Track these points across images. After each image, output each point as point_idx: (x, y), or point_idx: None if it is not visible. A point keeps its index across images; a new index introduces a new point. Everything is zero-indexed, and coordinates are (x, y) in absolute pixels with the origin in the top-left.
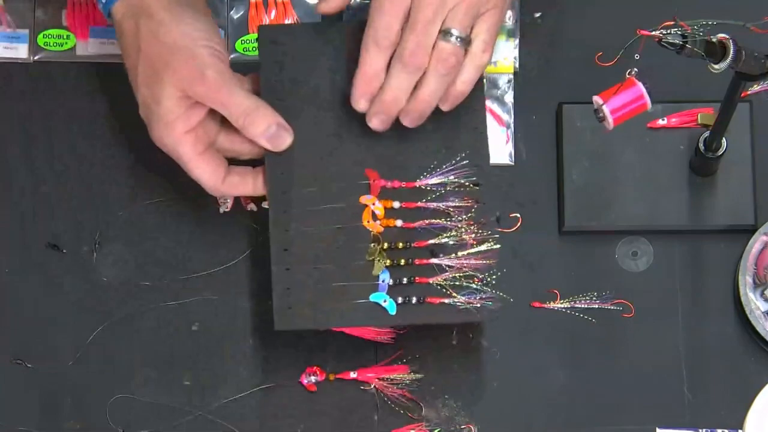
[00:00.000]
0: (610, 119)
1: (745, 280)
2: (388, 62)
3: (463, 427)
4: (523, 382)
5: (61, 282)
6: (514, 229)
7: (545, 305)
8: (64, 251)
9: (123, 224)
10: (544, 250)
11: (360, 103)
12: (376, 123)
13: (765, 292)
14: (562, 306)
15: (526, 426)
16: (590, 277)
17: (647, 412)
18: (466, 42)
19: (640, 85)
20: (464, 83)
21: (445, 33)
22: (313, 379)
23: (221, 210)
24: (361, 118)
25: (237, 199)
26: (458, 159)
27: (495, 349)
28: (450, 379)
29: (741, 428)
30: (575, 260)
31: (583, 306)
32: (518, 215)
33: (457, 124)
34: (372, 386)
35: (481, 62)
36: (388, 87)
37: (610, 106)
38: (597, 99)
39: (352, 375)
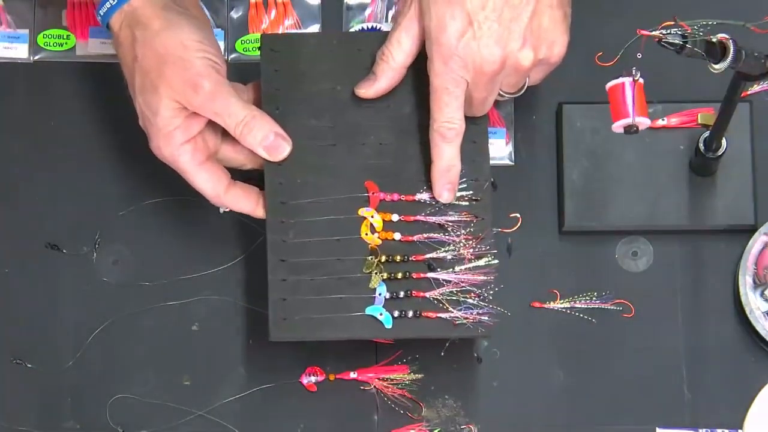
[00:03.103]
0: (644, 121)
1: (745, 280)
2: (459, 148)
3: (463, 427)
4: (523, 382)
5: (61, 282)
6: (514, 229)
7: (545, 305)
8: (64, 251)
9: (123, 224)
10: (544, 250)
11: (444, 196)
12: (447, 196)
13: (765, 292)
14: (562, 306)
15: (526, 426)
16: (590, 277)
17: (647, 412)
18: (518, 92)
19: (618, 81)
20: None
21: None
22: (313, 379)
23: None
24: (361, 129)
25: None
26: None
27: (495, 349)
28: (450, 379)
29: (741, 428)
30: (575, 260)
31: (583, 306)
32: (518, 215)
33: None
34: (372, 386)
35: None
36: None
37: (636, 115)
38: (618, 124)
39: (352, 375)
